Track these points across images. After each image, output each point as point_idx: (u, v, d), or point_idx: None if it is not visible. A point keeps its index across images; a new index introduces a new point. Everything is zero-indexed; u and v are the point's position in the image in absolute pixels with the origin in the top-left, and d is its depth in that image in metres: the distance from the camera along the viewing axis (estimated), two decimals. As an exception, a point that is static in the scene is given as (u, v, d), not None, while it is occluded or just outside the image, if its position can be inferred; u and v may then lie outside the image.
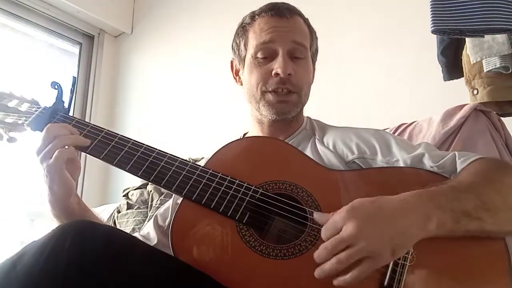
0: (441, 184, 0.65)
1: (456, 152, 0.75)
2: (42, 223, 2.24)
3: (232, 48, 0.98)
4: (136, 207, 1.74)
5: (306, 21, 0.94)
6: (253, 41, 0.90)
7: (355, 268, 0.54)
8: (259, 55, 0.88)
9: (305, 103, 0.94)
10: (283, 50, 0.86)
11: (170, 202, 0.99)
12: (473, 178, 0.67)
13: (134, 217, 1.69)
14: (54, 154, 0.75)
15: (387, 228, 0.55)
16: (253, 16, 0.92)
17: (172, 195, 1.62)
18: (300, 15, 0.93)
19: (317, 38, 0.97)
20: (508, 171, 0.70)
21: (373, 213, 0.56)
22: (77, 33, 2.58)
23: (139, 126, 2.45)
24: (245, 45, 0.92)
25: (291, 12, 0.90)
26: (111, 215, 1.75)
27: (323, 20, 1.74)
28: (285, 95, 0.87)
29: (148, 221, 1.59)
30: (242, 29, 0.94)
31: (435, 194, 0.61)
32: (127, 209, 1.74)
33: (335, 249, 0.55)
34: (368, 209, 0.56)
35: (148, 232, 0.95)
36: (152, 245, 0.89)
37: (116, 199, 2.06)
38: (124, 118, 2.56)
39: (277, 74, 0.85)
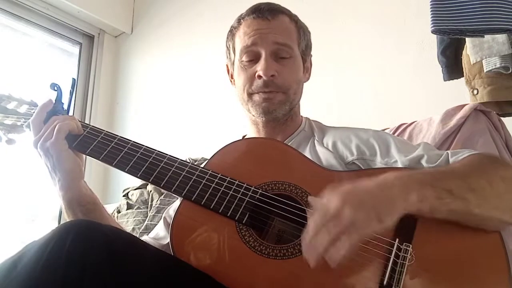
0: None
1: (449, 152, 0.76)
2: (42, 223, 2.25)
3: (225, 53, 0.99)
4: (136, 207, 1.74)
5: (293, 18, 0.93)
6: (238, 45, 0.91)
7: (345, 240, 0.54)
8: (244, 58, 0.89)
9: (297, 101, 0.94)
10: (266, 52, 0.87)
11: (177, 203, 0.99)
12: (459, 165, 0.68)
13: (134, 217, 1.69)
14: (55, 129, 0.78)
15: (368, 198, 0.57)
16: (239, 19, 0.93)
17: (172, 196, 1.63)
18: (285, 13, 0.92)
19: (309, 33, 0.96)
20: (499, 164, 0.70)
21: (354, 189, 0.58)
22: (77, 33, 2.59)
23: (139, 126, 2.45)
24: (234, 49, 0.94)
25: (274, 12, 0.90)
26: (111, 215, 1.75)
27: (323, 20, 1.75)
28: (269, 94, 0.88)
29: (148, 220, 1.60)
30: (230, 34, 0.96)
31: (416, 173, 0.62)
32: (127, 209, 1.75)
33: (323, 221, 0.55)
34: (349, 186, 0.59)
35: (157, 233, 0.95)
36: (164, 243, 0.89)
37: (116, 199, 2.06)
38: (124, 118, 2.56)
39: (260, 76, 0.86)
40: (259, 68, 0.86)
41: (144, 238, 0.95)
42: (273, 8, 0.91)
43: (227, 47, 0.97)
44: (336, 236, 0.54)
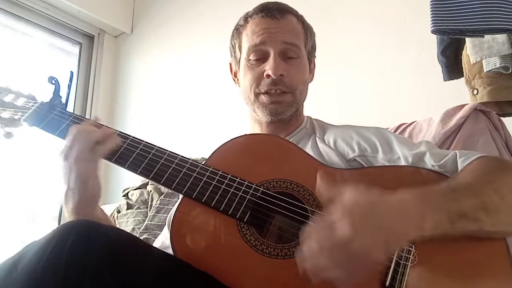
0: (439, 184, 0.63)
1: (457, 151, 0.75)
2: (42, 223, 2.25)
3: (229, 51, 0.99)
4: (136, 207, 1.74)
5: (300, 18, 0.93)
6: (246, 43, 0.90)
7: (349, 267, 0.51)
8: (251, 57, 0.89)
9: (302, 102, 0.94)
10: (275, 51, 0.87)
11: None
12: (472, 177, 0.66)
13: (134, 217, 1.69)
14: (93, 151, 0.73)
15: (382, 225, 0.53)
16: (246, 18, 0.93)
17: (172, 195, 1.62)
18: (293, 13, 0.92)
19: (314, 34, 0.97)
20: (508, 171, 0.69)
21: (367, 212, 0.53)
22: (77, 33, 2.59)
23: (139, 126, 2.45)
24: (240, 48, 0.93)
25: (282, 12, 0.90)
26: (111, 215, 1.75)
27: (324, 20, 1.75)
28: (278, 96, 0.87)
29: (148, 220, 1.60)
30: (236, 32, 0.95)
31: (432, 195, 0.60)
32: (127, 209, 1.75)
33: (329, 244, 0.51)
34: (363, 208, 0.54)
35: (163, 241, 0.92)
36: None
37: (116, 199, 2.06)
38: (124, 118, 2.56)
39: (268, 76, 0.86)
40: (268, 67, 0.86)
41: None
42: (282, 8, 0.91)
43: (232, 45, 0.96)
44: (340, 264, 0.51)
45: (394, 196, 0.56)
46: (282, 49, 0.87)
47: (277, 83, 0.86)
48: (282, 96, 0.88)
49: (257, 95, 0.89)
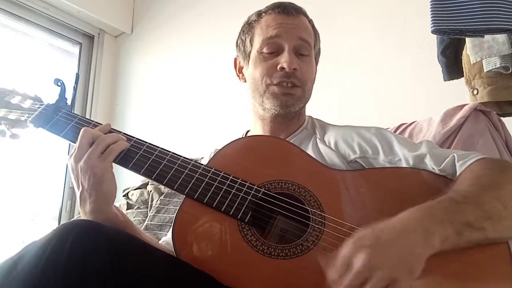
0: (440, 197, 0.63)
1: (455, 154, 0.74)
2: (42, 223, 2.25)
3: (237, 45, 0.99)
4: (136, 207, 1.74)
5: (310, 21, 0.96)
6: (259, 37, 0.91)
7: None
8: (265, 50, 0.90)
9: (308, 100, 0.95)
10: (289, 45, 0.88)
11: None
12: (471, 185, 0.66)
13: (134, 217, 1.69)
14: (107, 150, 0.74)
15: (395, 250, 0.53)
16: (259, 13, 0.94)
17: (172, 195, 1.62)
18: (305, 15, 0.95)
19: (320, 40, 0.99)
20: (508, 173, 0.68)
21: (378, 240, 0.54)
22: (77, 33, 2.59)
23: (139, 126, 2.45)
24: (251, 41, 0.94)
25: (297, 11, 0.93)
26: (111, 215, 1.75)
27: (324, 20, 1.74)
28: (290, 89, 0.88)
29: (148, 220, 1.60)
30: (248, 26, 0.96)
31: (435, 210, 0.60)
32: (127, 209, 1.75)
33: (353, 284, 0.52)
34: (372, 236, 0.55)
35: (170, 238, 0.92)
36: None
37: (116, 199, 2.06)
38: (124, 118, 2.56)
39: (282, 68, 0.87)
40: (283, 60, 0.87)
41: (161, 242, 0.93)
42: (296, 7, 0.93)
43: (242, 40, 0.97)
44: None
45: (395, 219, 0.57)
46: (296, 45, 0.89)
47: (290, 76, 0.87)
48: (293, 90, 0.89)
49: (268, 86, 0.89)
